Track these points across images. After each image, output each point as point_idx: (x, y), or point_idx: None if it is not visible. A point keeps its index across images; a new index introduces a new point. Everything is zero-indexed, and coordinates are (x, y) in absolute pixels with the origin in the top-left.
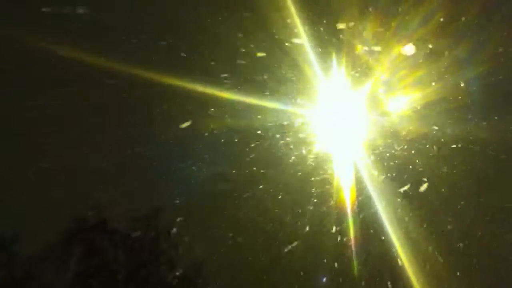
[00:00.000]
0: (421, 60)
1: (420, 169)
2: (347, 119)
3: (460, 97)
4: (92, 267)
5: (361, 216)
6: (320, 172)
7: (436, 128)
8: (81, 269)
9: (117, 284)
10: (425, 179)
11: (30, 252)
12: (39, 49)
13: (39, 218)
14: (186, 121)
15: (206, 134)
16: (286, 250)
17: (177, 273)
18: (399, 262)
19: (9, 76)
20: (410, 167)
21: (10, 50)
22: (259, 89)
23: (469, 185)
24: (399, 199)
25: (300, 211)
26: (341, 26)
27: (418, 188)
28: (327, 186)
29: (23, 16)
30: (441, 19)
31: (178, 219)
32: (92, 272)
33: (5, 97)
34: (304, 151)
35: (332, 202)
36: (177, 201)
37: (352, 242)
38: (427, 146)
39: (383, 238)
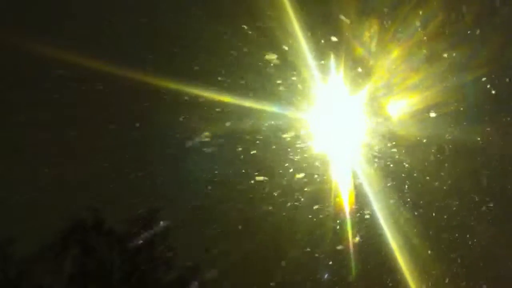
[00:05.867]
0: (419, 64)
1: (419, 172)
2: (345, 122)
3: (458, 101)
4: (87, 269)
5: (359, 220)
6: (318, 175)
7: (435, 131)
8: (76, 271)
9: (113, 285)
10: (423, 183)
11: (25, 253)
12: (39, 52)
13: (34, 219)
14: (184, 123)
15: (204, 136)
16: (283, 253)
17: (174, 275)
18: (398, 266)
19: (9, 77)
20: (409, 170)
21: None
22: (257, 92)
23: (468, 188)
24: (397, 203)
25: (298, 214)
26: (339, 28)
27: (417, 191)
28: (325, 189)
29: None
30: (440, 23)
31: (175, 221)
32: (87, 273)
33: (5, 98)
34: (302, 155)
35: (330, 205)
36: (174, 203)
37: (350, 245)
38: (426, 150)
39: (381, 241)
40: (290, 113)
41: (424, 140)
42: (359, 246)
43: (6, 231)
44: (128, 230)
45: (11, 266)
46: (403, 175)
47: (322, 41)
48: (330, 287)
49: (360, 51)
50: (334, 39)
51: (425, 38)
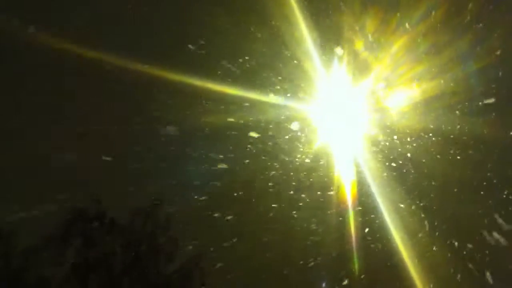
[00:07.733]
0: (421, 56)
1: (420, 163)
2: (347, 114)
3: (459, 93)
4: (89, 260)
5: (361, 210)
6: (321, 166)
7: (436, 122)
8: (78, 262)
9: (115, 276)
10: (425, 173)
11: (28, 243)
12: (38, 44)
13: (38, 210)
14: (188, 116)
15: (207, 129)
16: (285, 245)
17: (175, 267)
18: (399, 258)
19: (9, 73)
20: (410, 161)
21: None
22: (260, 85)
23: (469, 179)
24: (399, 193)
25: (301, 205)
26: (342, 21)
27: (418, 182)
28: (328, 180)
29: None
30: (442, 15)
31: (177, 213)
32: (89, 264)
33: (5, 95)
34: (304, 146)
35: (333, 196)
36: (176, 195)
37: (353, 236)
38: (427, 141)
39: (383, 232)
40: (294, 105)
41: (427, 131)
42: (361, 235)
43: (8, 223)
44: (130, 222)
45: (13, 257)
46: (406, 165)
47: (325, 34)
48: (332, 279)
49: (363, 42)
50: (337, 32)
51: (427, 30)
